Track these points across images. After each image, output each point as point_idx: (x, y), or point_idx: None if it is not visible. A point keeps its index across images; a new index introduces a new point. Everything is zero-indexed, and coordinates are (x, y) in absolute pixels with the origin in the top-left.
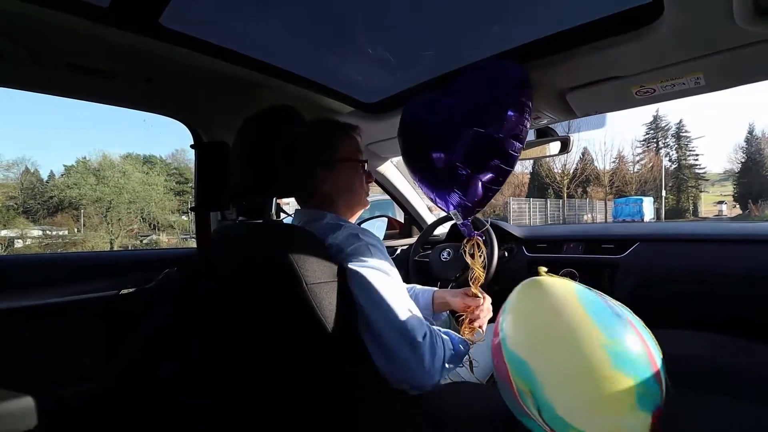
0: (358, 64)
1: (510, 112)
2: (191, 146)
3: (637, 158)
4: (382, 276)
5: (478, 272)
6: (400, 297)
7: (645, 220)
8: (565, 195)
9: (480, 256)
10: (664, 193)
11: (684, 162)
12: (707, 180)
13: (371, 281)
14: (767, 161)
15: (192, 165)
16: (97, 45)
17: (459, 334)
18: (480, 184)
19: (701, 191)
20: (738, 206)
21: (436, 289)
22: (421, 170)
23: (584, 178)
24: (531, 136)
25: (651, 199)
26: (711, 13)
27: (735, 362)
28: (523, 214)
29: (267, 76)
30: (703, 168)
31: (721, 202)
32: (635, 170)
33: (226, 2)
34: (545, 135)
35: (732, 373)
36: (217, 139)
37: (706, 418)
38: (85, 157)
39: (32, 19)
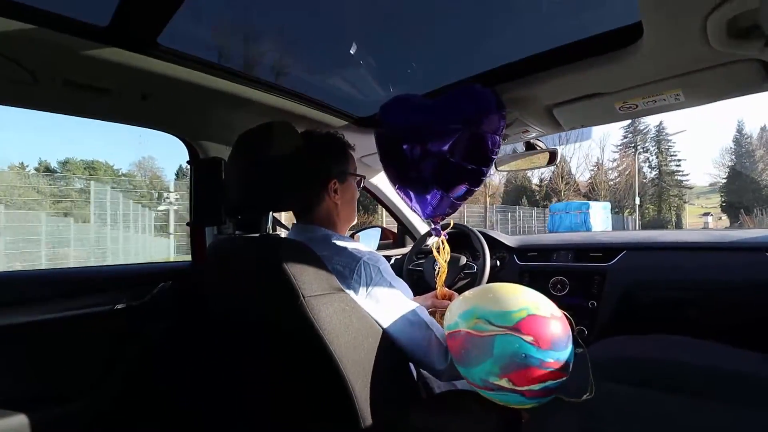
0: (351, 78)
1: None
2: (187, 162)
3: (614, 164)
4: (389, 293)
5: (442, 264)
6: (405, 310)
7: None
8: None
9: (443, 250)
10: (638, 200)
11: (665, 168)
12: (691, 189)
13: (379, 300)
14: (760, 165)
15: (159, 173)
16: (94, 63)
17: None
18: (448, 199)
19: (685, 201)
20: (724, 217)
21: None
22: (396, 175)
23: (556, 187)
24: (519, 148)
25: (607, 205)
26: (687, 35)
27: (722, 368)
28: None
29: (261, 91)
30: (686, 175)
31: (706, 214)
32: (611, 178)
33: (223, 21)
34: (533, 147)
35: (719, 378)
36: (212, 154)
37: (692, 422)
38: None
39: (32, 39)
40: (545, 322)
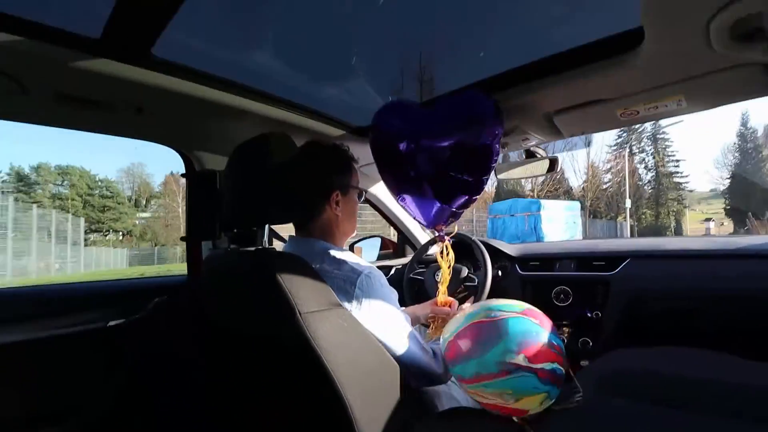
0: (349, 88)
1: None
2: (182, 175)
3: (607, 165)
4: (390, 308)
5: (444, 270)
6: (406, 325)
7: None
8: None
9: (447, 256)
10: (628, 203)
11: (662, 169)
12: (691, 192)
13: (381, 315)
14: (767, 164)
15: (149, 180)
16: (87, 75)
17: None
18: (449, 209)
19: (685, 206)
20: (727, 223)
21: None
22: (394, 184)
23: (554, 193)
24: (519, 156)
25: (574, 205)
26: (689, 39)
27: (730, 382)
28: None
29: (257, 102)
30: (686, 176)
31: (708, 219)
32: (605, 181)
33: (218, 31)
34: (533, 155)
35: (728, 392)
36: (208, 166)
37: None
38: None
39: (22, 51)
40: (542, 313)
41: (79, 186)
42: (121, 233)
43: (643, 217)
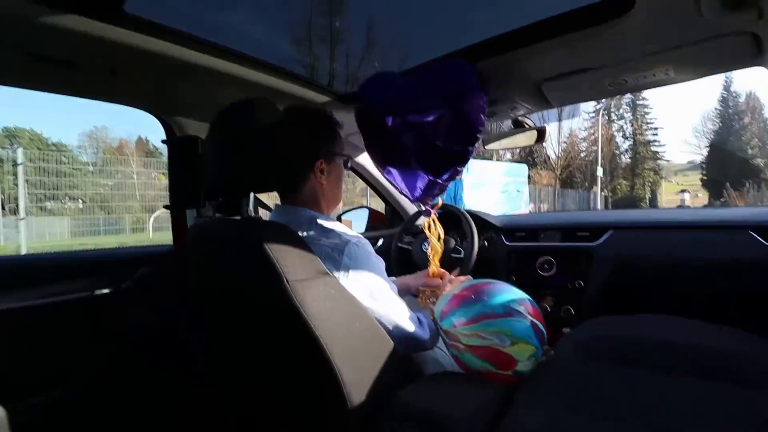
0: (335, 53)
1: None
2: (162, 141)
3: (584, 133)
4: (377, 276)
5: (434, 243)
6: (393, 293)
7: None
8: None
9: (435, 229)
10: (600, 171)
11: (640, 137)
12: (668, 162)
13: (369, 283)
14: (747, 133)
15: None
16: (57, 33)
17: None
18: (436, 181)
19: (662, 177)
20: (702, 194)
21: (394, 278)
22: (380, 156)
23: (530, 162)
24: (507, 126)
25: (519, 168)
26: (680, 6)
27: (703, 345)
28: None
29: (239, 65)
30: (663, 145)
31: (683, 191)
32: (581, 149)
33: None
34: (521, 125)
35: (700, 355)
36: (190, 133)
37: (680, 401)
38: None
39: None
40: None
41: (30, 150)
42: (80, 201)
43: (618, 187)
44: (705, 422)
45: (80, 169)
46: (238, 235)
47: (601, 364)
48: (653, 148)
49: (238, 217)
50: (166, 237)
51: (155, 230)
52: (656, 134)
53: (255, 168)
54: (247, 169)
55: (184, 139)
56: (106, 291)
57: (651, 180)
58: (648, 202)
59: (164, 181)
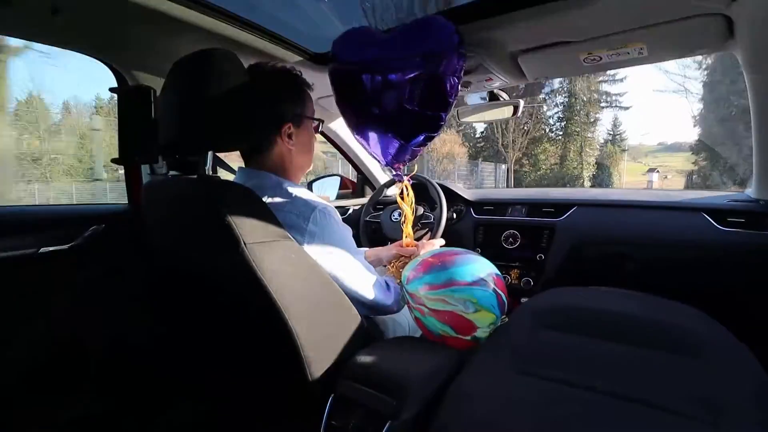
0: (307, 10)
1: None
2: (110, 90)
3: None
4: (343, 243)
5: (406, 211)
6: (358, 260)
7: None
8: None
9: (408, 196)
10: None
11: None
12: (624, 139)
13: (334, 249)
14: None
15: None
16: None
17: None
18: (408, 146)
19: (623, 149)
20: (672, 176)
21: (366, 249)
22: (353, 117)
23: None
24: (482, 99)
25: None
26: None
27: (658, 319)
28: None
29: (201, 14)
30: (623, 95)
31: (652, 170)
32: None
33: None
34: (497, 98)
35: (653, 328)
36: (142, 83)
37: (625, 367)
38: None
39: None
40: None
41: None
42: None
43: (544, 162)
44: (644, 386)
45: None
46: (194, 195)
47: (553, 331)
48: (603, 101)
49: (194, 176)
50: None
51: None
52: (615, 82)
53: (212, 124)
54: (203, 125)
55: (137, 88)
56: (51, 249)
57: (578, 143)
58: (592, 181)
59: None
